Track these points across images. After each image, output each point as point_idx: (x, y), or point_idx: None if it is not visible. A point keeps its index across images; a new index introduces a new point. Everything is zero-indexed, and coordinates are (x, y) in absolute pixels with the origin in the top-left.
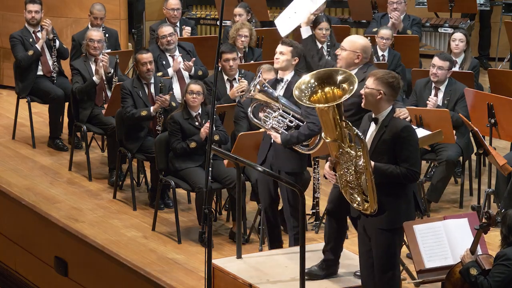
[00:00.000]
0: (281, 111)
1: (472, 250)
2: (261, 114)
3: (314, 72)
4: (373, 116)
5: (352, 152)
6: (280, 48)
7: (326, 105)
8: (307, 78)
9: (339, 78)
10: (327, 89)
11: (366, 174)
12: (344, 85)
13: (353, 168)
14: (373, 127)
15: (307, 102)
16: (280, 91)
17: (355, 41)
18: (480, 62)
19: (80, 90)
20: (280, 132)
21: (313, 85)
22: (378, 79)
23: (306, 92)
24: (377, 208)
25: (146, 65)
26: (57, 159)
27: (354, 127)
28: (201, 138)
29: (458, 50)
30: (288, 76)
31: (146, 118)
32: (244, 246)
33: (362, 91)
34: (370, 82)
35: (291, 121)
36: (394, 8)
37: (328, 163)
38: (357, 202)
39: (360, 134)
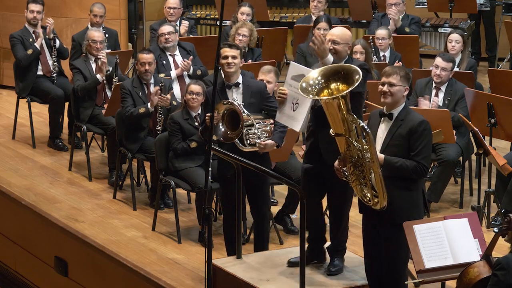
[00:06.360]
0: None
1: (487, 253)
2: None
3: (321, 68)
4: (385, 111)
5: (359, 145)
6: (231, 52)
7: (330, 97)
8: (315, 74)
9: (343, 73)
10: (333, 85)
11: (373, 168)
12: (348, 79)
13: (361, 163)
14: (386, 122)
15: (316, 97)
16: (237, 96)
17: (346, 33)
18: (489, 63)
19: (83, 87)
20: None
21: (321, 82)
22: (402, 77)
23: (314, 87)
24: (389, 203)
25: (144, 65)
26: (57, 159)
27: (359, 120)
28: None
29: (455, 51)
30: (240, 79)
31: (145, 115)
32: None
33: (384, 88)
34: (396, 80)
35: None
36: (391, 4)
37: (337, 160)
38: (367, 198)
39: (365, 127)
